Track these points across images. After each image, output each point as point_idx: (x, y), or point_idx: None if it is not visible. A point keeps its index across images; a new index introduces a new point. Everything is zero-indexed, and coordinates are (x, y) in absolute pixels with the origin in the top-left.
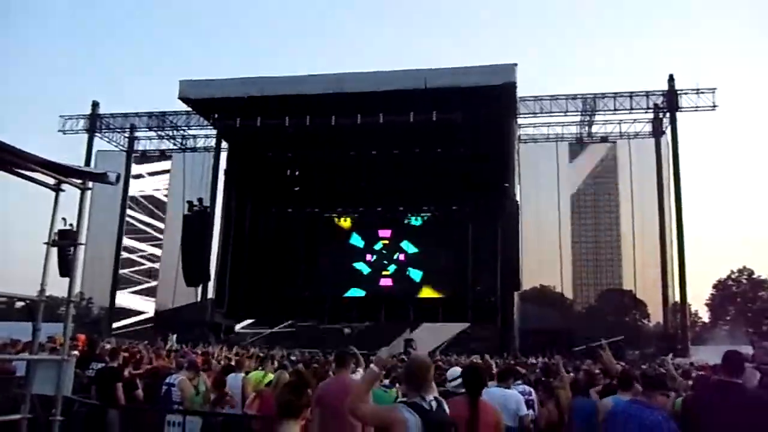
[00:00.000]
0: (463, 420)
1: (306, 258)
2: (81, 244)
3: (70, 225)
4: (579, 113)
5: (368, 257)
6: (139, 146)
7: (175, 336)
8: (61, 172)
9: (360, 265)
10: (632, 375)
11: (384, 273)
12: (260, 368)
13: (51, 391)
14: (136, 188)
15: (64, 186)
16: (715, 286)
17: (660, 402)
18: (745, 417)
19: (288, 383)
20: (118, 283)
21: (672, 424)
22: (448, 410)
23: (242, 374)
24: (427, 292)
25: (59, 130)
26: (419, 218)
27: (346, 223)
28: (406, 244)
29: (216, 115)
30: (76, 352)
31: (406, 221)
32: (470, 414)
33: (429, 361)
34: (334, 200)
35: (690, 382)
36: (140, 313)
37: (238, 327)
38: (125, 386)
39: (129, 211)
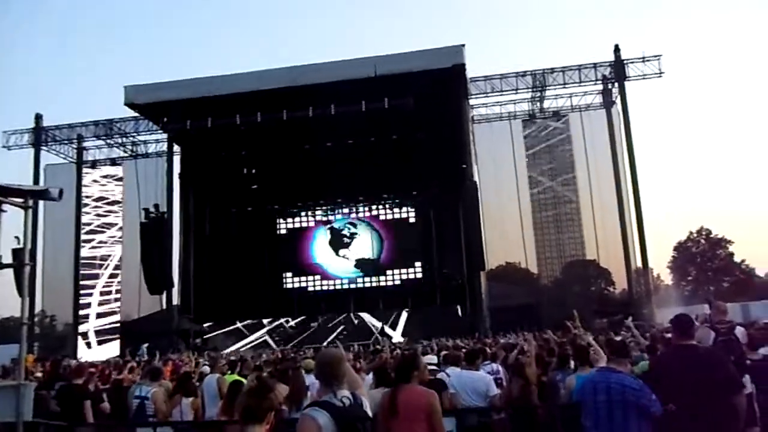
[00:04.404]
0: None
1: (270, 256)
2: (28, 264)
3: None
4: (530, 90)
5: (332, 249)
6: (89, 156)
7: (145, 346)
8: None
9: (324, 258)
10: (586, 350)
11: (349, 264)
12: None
13: (11, 417)
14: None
15: (5, 207)
16: (675, 248)
17: (627, 369)
18: (700, 376)
19: (249, 388)
20: (80, 298)
21: (638, 382)
22: (367, 405)
23: (218, 375)
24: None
25: (3, 146)
26: (380, 206)
27: (306, 217)
28: (369, 234)
29: (165, 119)
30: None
31: (366, 210)
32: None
33: (339, 354)
34: (292, 195)
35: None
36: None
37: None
38: (92, 401)
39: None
